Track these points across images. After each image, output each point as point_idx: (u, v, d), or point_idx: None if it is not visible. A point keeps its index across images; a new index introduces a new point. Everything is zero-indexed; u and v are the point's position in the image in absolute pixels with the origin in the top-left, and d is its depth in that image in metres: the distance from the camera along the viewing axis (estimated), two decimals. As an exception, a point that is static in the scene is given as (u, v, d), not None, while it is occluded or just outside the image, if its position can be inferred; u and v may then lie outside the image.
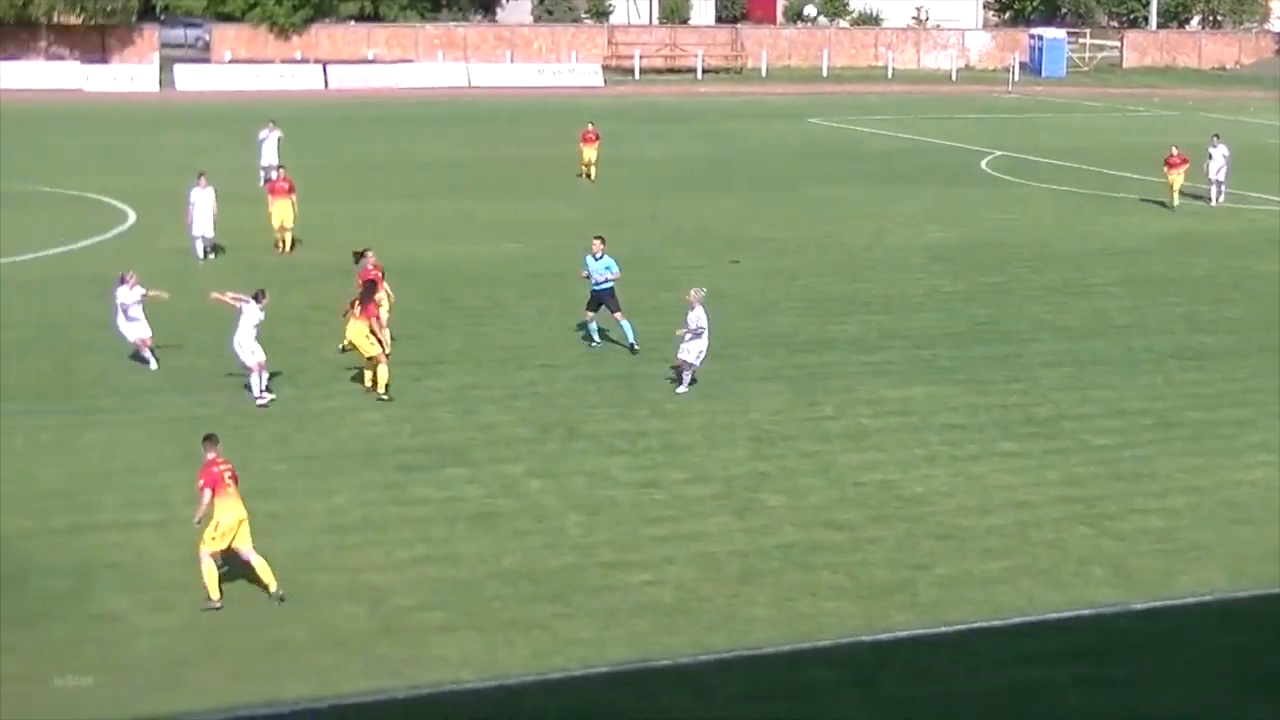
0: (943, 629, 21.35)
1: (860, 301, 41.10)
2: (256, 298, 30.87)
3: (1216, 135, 60.32)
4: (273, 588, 21.52)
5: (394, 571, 22.70)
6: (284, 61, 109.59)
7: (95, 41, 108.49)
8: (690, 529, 24.72)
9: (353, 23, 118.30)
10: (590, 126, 61.70)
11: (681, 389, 31.70)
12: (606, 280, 34.76)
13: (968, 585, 22.71)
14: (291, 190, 45.35)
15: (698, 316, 31.30)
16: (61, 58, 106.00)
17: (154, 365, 32.68)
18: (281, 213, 44.92)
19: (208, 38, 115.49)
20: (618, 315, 34.99)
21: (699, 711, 19.21)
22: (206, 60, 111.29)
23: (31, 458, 27.21)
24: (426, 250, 46.42)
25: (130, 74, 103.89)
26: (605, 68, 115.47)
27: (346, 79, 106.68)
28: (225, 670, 19.76)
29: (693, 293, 31.64)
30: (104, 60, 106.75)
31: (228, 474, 21.57)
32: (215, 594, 21.30)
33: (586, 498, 25.94)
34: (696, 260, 46.16)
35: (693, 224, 52.81)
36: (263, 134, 57.81)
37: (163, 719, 18.70)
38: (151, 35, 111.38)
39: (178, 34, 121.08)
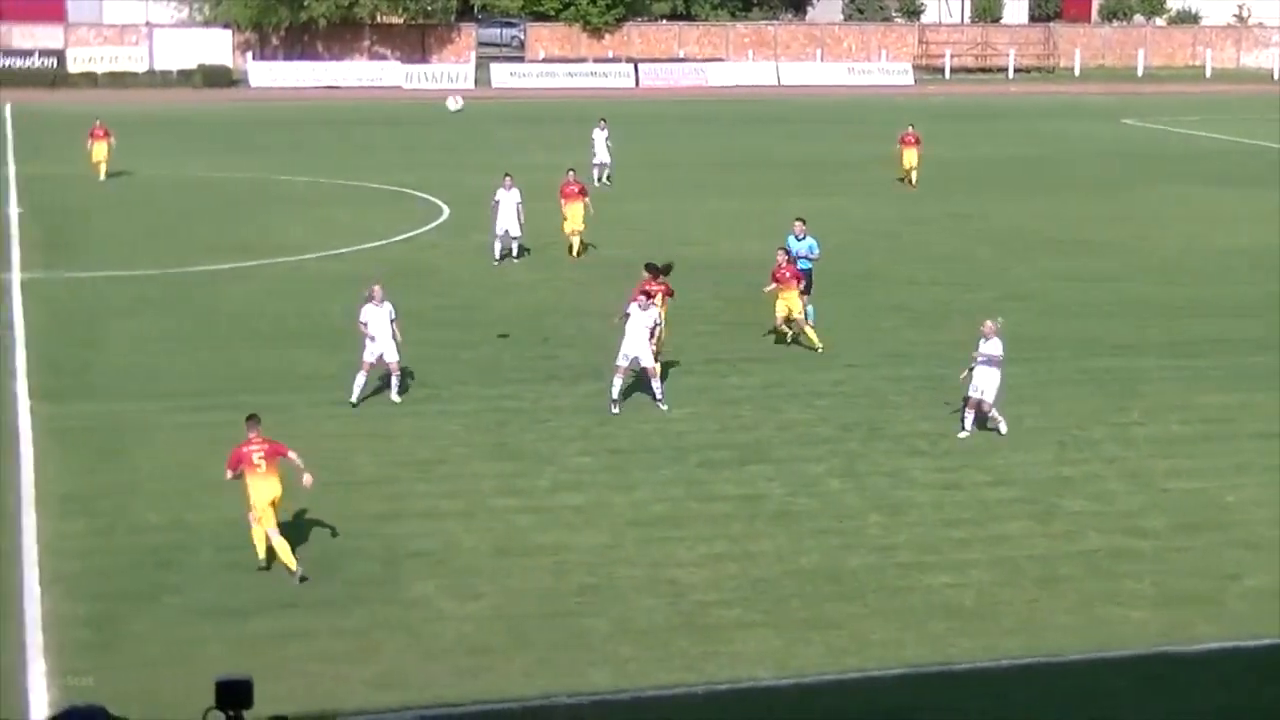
0: (1251, 642, 20.86)
1: (1173, 306, 40.21)
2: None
3: None
4: (293, 567, 22.04)
5: (694, 567, 22.92)
6: (596, 60, 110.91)
7: (415, 41, 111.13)
8: (991, 532, 24.51)
9: (664, 22, 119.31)
10: (910, 129, 60.51)
11: (963, 433, 28.91)
12: (806, 259, 35.93)
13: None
14: (583, 193, 45.52)
15: (994, 347, 28.78)
16: (383, 57, 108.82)
17: (396, 396, 30.70)
18: (574, 216, 45.22)
19: (523, 37, 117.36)
20: (804, 296, 35.71)
21: (997, 716, 19.08)
22: (521, 59, 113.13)
23: (347, 445, 28.07)
24: (735, 248, 46.62)
25: (448, 72, 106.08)
26: (915, 66, 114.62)
27: (657, 77, 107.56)
28: (529, 659, 20.14)
29: (988, 324, 29.08)
30: (423, 59, 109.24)
31: (257, 454, 22.07)
32: (263, 555, 22.20)
33: (887, 498, 25.89)
34: (1005, 262, 45.63)
35: (1003, 225, 52.19)
36: (595, 132, 58.92)
37: (466, 705, 19.18)
38: (469, 35, 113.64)
39: (494, 33, 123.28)
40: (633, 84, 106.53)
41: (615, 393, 30.14)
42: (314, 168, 63.54)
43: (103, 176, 58.98)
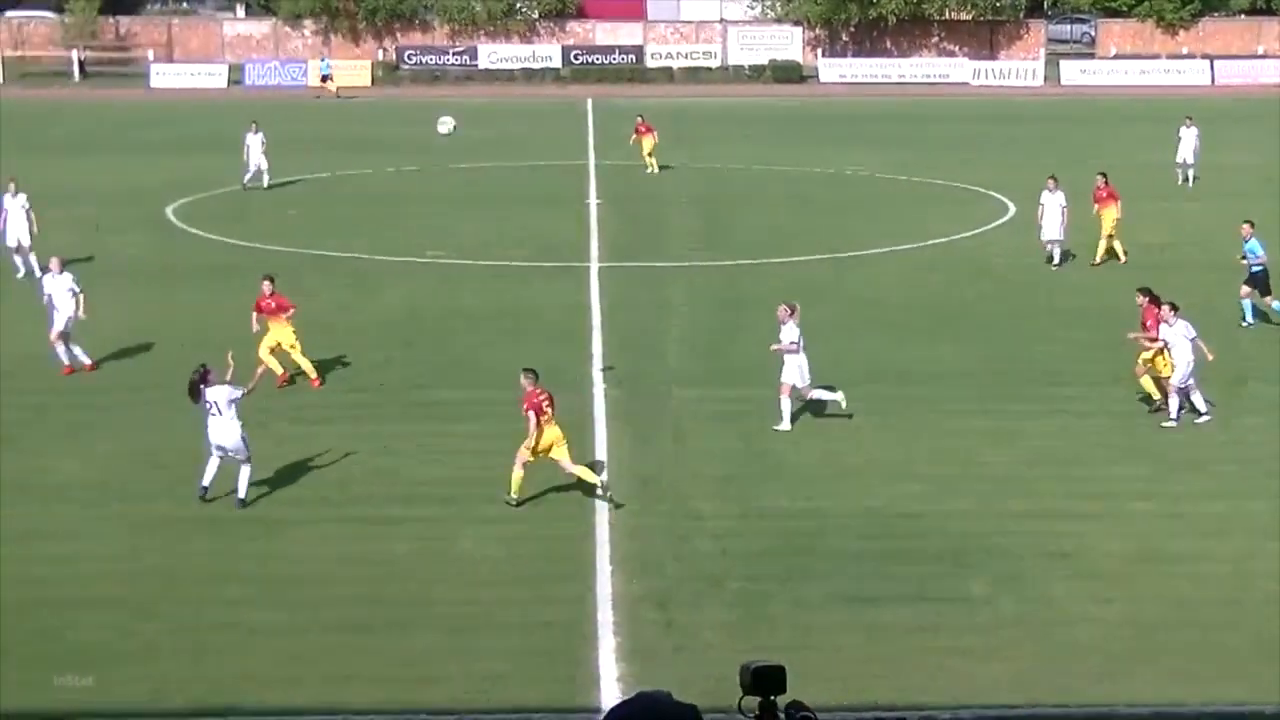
0: None
1: None
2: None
3: None
4: (599, 489, 24.28)
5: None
6: (1170, 57, 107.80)
7: (984, 37, 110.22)
8: None
9: (1242, 16, 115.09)
10: None
11: None
12: (1252, 262, 36.10)
13: None
14: (1111, 197, 43.16)
15: None
16: (951, 53, 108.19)
17: (783, 424, 28.24)
18: (1105, 221, 43.04)
19: (1093, 33, 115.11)
20: (1268, 299, 35.94)
21: None
22: (1092, 56, 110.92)
23: (971, 443, 27.66)
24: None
25: (1016, 69, 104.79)
26: None
27: (1235, 74, 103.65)
28: (1160, 669, 19.51)
29: None
30: (991, 56, 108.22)
31: (546, 402, 24.13)
32: (516, 493, 24.12)
33: None
34: None
35: None
36: (1181, 130, 57.53)
37: (1097, 706, 18.65)
38: (1038, 31, 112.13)
39: (1064, 29, 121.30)
40: (1208, 81, 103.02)
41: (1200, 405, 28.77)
42: (880, 163, 63.44)
43: (655, 170, 59.80)
